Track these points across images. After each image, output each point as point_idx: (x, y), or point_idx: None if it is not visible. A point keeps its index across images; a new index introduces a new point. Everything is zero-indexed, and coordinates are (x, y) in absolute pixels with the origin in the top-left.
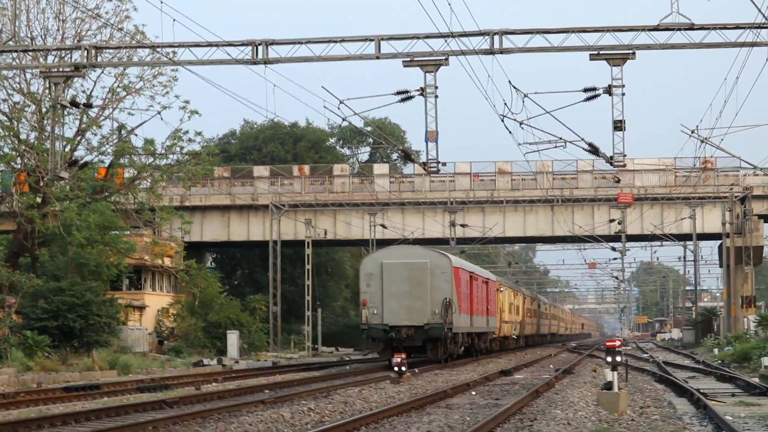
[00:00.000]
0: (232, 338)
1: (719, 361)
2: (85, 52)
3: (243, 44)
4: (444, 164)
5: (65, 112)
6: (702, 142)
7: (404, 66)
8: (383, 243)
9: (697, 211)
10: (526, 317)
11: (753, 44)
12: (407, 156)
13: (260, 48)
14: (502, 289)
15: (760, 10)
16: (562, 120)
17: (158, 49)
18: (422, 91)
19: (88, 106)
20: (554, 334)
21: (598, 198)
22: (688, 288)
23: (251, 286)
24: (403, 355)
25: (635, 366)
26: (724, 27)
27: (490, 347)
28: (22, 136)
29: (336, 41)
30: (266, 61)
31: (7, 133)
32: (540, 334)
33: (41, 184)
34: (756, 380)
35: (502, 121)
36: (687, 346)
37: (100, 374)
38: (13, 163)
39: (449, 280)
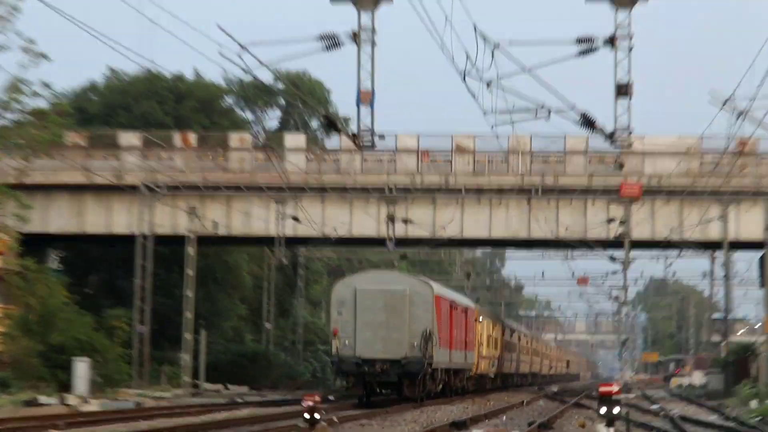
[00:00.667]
0: (81, 368)
1: (758, 418)
2: None
3: None
4: (382, 137)
5: None
6: (738, 116)
7: (331, 1)
8: (295, 241)
9: (730, 209)
10: (504, 352)
11: None
12: (332, 124)
13: None
14: (481, 318)
15: None
16: (547, 81)
17: None
18: (354, 37)
19: None
20: (535, 375)
21: (593, 189)
22: (715, 316)
23: (110, 296)
24: (316, 398)
25: (640, 422)
26: None
27: (466, 386)
28: None
29: None
30: None
31: None
32: (520, 373)
33: None
34: None
35: (464, 80)
36: (713, 396)
37: None
38: None
39: (430, 309)
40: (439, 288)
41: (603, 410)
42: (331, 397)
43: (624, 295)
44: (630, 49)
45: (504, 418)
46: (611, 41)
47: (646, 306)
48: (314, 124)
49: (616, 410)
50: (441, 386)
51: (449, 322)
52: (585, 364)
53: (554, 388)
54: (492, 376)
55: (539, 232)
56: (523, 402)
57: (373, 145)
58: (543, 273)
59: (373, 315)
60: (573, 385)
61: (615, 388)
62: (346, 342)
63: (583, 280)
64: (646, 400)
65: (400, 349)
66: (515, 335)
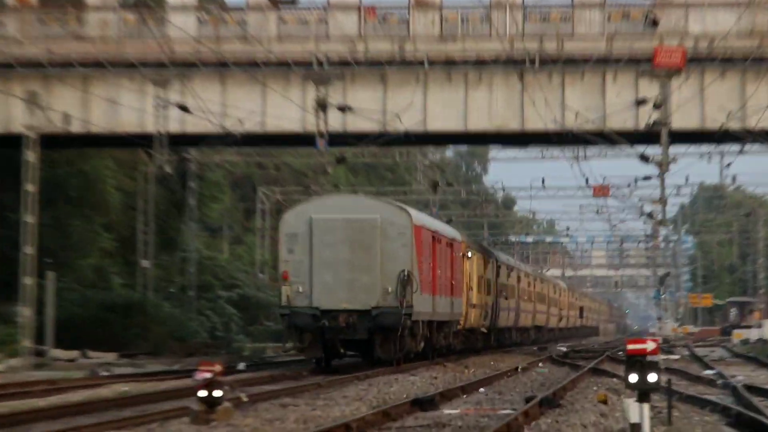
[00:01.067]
0: None
1: None
2: None
3: None
4: None
5: None
6: None
7: None
8: (183, 140)
9: None
10: (500, 298)
11: None
12: None
13: None
14: (470, 254)
15: None
16: None
17: None
18: None
19: None
20: (540, 329)
21: (615, 57)
22: None
23: None
24: (217, 368)
25: (688, 395)
26: None
27: (453, 345)
28: None
29: None
30: None
31: None
32: (520, 327)
33: None
34: None
35: None
36: None
37: None
38: None
39: (408, 244)
40: (418, 216)
41: (633, 378)
42: (241, 366)
43: (662, 211)
44: None
45: (487, 392)
46: None
47: (694, 226)
48: None
49: (652, 378)
50: (422, 345)
51: (432, 261)
52: (606, 311)
53: (563, 348)
54: (485, 330)
55: (536, 121)
56: (517, 368)
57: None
58: (543, 181)
59: (335, 253)
60: (589, 342)
61: (650, 346)
62: (300, 289)
63: (601, 190)
64: (697, 363)
65: (371, 297)
66: (513, 275)
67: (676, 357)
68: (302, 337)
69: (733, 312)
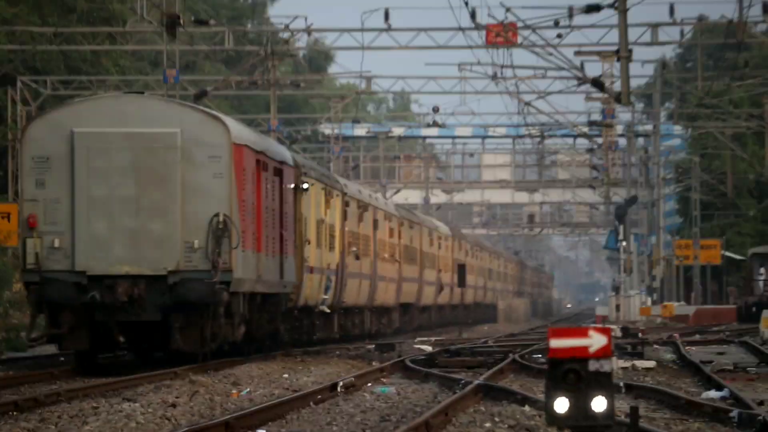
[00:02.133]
0: None
1: None
2: None
3: None
4: None
5: None
6: None
7: None
8: None
9: None
10: (350, 257)
11: None
12: None
13: None
14: (305, 185)
15: None
16: None
17: None
18: None
19: None
20: (409, 307)
21: None
22: None
23: None
24: None
25: None
26: None
27: (279, 333)
28: None
29: None
30: None
31: None
32: (376, 305)
33: None
34: None
35: None
36: None
37: None
38: None
39: (225, 173)
40: (238, 128)
41: (561, 406)
42: None
43: (622, 75)
44: None
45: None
46: None
47: (685, 103)
48: None
49: (598, 406)
50: (243, 331)
51: (256, 199)
52: (513, 274)
53: (426, 347)
54: (327, 310)
55: None
56: (336, 386)
57: None
58: (387, 15)
59: (111, 187)
60: (479, 333)
61: (596, 342)
62: (56, 243)
63: (500, 33)
64: (691, 375)
65: (167, 256)
66: (368, 217)
67: (650, 364)
68: (58, 317)
69: (761, 275)
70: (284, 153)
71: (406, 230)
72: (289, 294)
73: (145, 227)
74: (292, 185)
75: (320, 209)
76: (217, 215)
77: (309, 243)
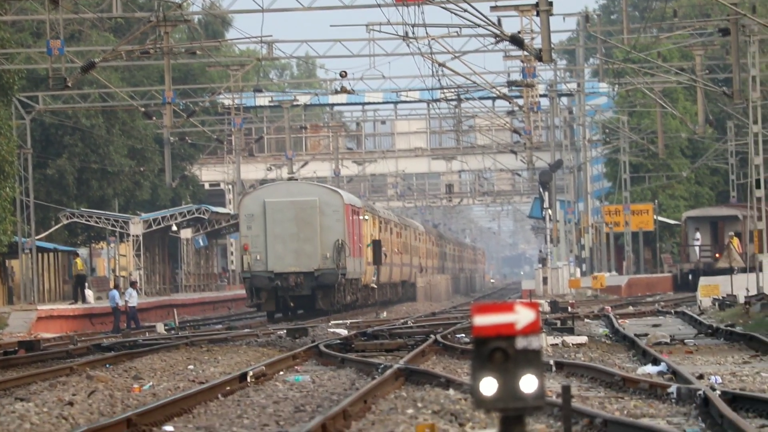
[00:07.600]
0: None
1: None
2: None
3: None
4: None
5: None
6: None
7: None
8: None
9: None
10: (382, 254)
11: None
12: None
13: None
14: (366, 216)
15: None
16: None
17: None
18: None
19: None
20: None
21: None
22: None
23: None
24: None
25: (609, 419)
26: None
27: (358, 299)
28: None
29: None
30: None
31: None
32: (393, 281)
33: None
34: None
35: None
36: None
37: None
38: None
39: (341, 219)
40: (348, 196)
41: (488, 387)
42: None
43: (543, 30)
44: None
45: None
46: None
47: (612, 58)
48: None
49: (528, 386)
50: (351, 298)
51: (352, 229)
52: (433, 249)
53: (341, 329)
54: (374, 286)
55: None
56: (246, 376)
57: None
58: None
59: (284, 227)
60: (398, 313)
61: (523, 317)
62: (258, 257)
63: None
64: (626, 349)
65: (314, 261)
66: (386, 227)
67: (581, 339)
68: (260, 294)
69: (697, 241)
70: (358, 201)
71: (394, 227)
72: (360, 278)
73: (301, 247)
74: (360, 217)
75: (371, 228)
76: (338, 240)
77: (367, 248)
